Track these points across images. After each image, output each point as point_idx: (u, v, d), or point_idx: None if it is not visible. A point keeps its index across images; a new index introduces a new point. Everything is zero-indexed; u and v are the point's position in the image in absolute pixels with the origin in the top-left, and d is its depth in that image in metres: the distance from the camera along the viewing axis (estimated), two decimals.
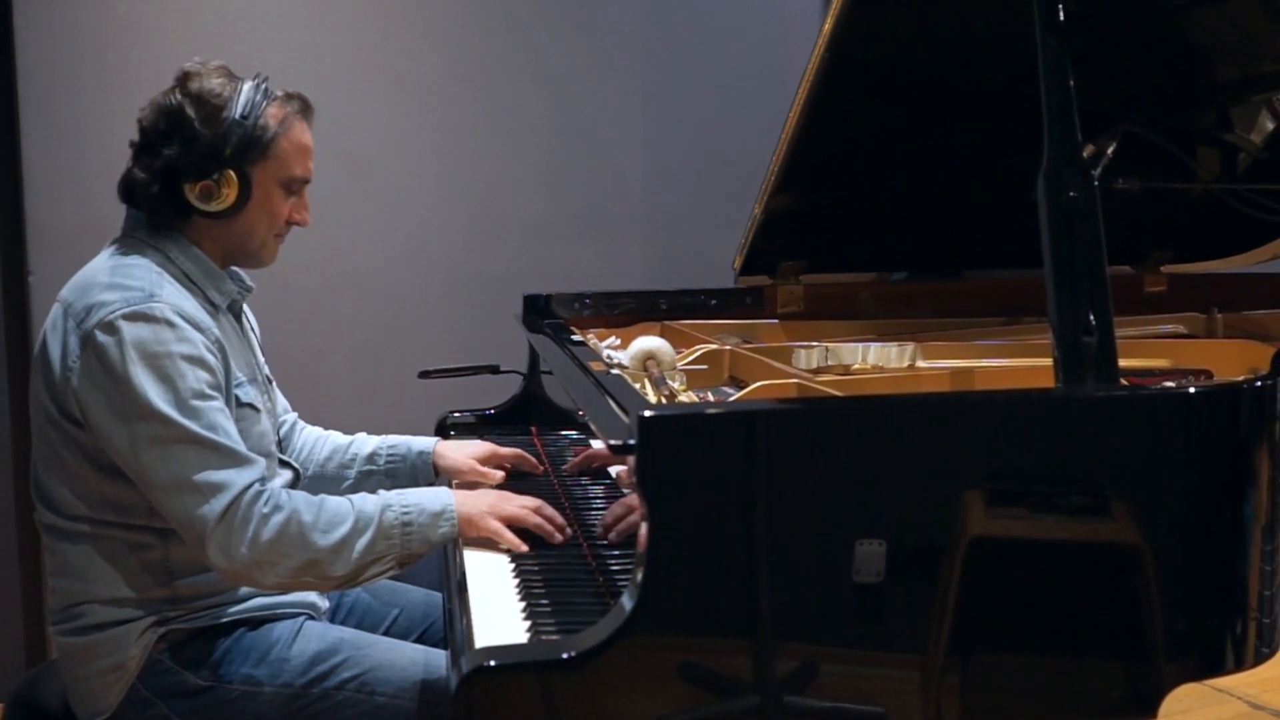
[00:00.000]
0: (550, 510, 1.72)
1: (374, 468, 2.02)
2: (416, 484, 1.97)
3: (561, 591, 1.54)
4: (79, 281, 1.63)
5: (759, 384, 1.79)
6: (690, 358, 2.04)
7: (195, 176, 1.62)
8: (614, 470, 1.97)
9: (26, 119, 2.67)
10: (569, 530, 1.71)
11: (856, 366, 2.12)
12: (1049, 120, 1.47)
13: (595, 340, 2.19)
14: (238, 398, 1.65)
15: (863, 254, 2.47)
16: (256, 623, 1.68)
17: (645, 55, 3.29)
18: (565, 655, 1.25)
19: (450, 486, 1.91)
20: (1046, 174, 1.46)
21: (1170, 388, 1.78)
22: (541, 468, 2.05)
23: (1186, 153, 2.35)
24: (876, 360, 2.12)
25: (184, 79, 1.65)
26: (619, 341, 2.19)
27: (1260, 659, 1.43)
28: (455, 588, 1.60)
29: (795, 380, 1.79)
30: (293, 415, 2.05)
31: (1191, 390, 1.47)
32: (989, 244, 2.41)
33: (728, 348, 2.10)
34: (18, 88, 2.66)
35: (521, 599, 1.52)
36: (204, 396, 1.55)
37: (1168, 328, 2.43)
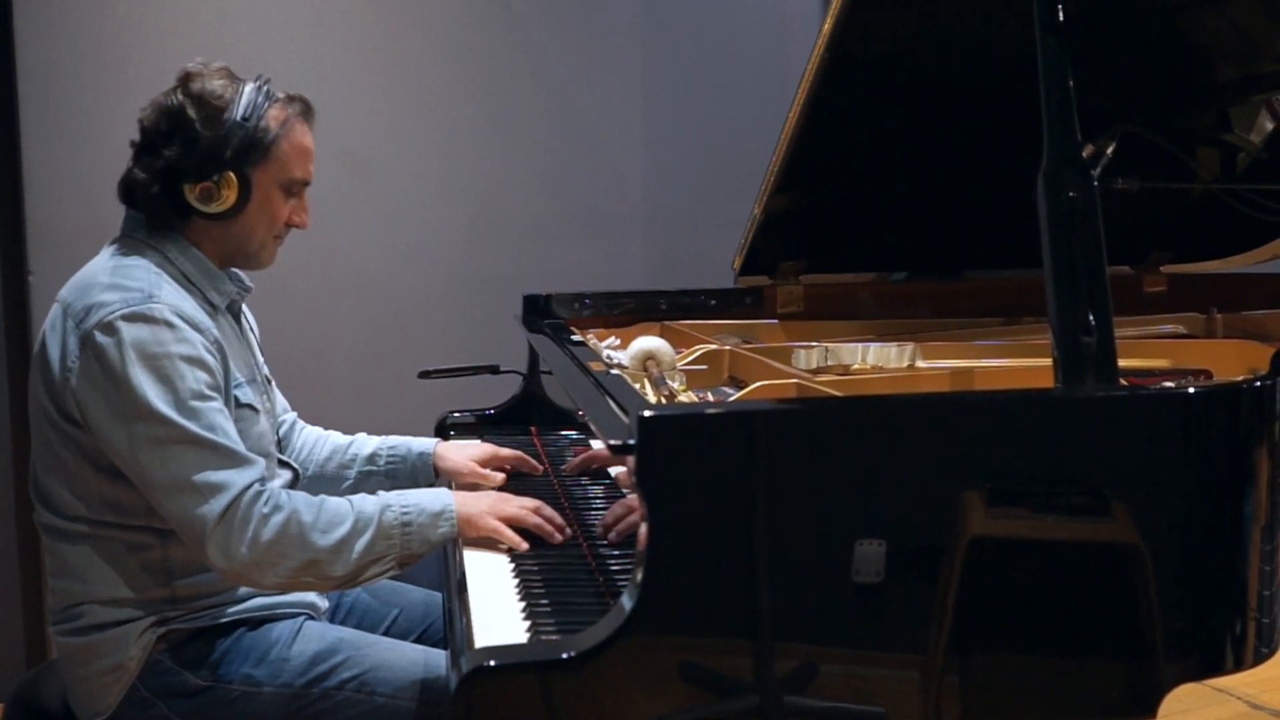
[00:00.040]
0: (550, 510, 1.72)
1: (374, 468, 2.02)
2: (416, 485, 1.97)
3: (561, 591, 1.54)
4: (78, 282, 1.63)
5: (759, 384, 1.79)
6: (690, 358, 2.04)
7: (195, 177, 1.62)
8: (614, 471, 1.97)
9: (26, 119, 2.67)
10: (568, 530, 1.71)
11: (856, 367, 2.12)
12: (1048, 120, 1.47)
13: (595, 340, 2.19)
14: (237, 398, 1.65)
15: (862, 254, 2.47)
16: (256, 623, 1.68)
17: (645, 55, 3.29)
18: (565, 655, 1.25)
19: (450, 488, 1.91)
20: (1046, 174, 1.46)
21: (1170, 388, 1.78)
22: (541, 468, 2.05)
23: (1186, 153, 2.35)
24: (876, 360, 2.12)
25: (186, 79, 1.65)
26: (619, 342, 2.19)
27: (1260, 659, 1.43)
28: (455, 588, 1.60)
29: (795, 380, 1.79)
30: (292, 415, 2.05)
31: (1191, 390, 1.47)
32: (989, 244, 2.41)
33: (727, 348, 2.10)
34: (18, 88, 2.66)
35: (521, 599, 1.52)
36: (203, 397, 1.55)
37: (1167, 328, 2.43)
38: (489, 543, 1.69)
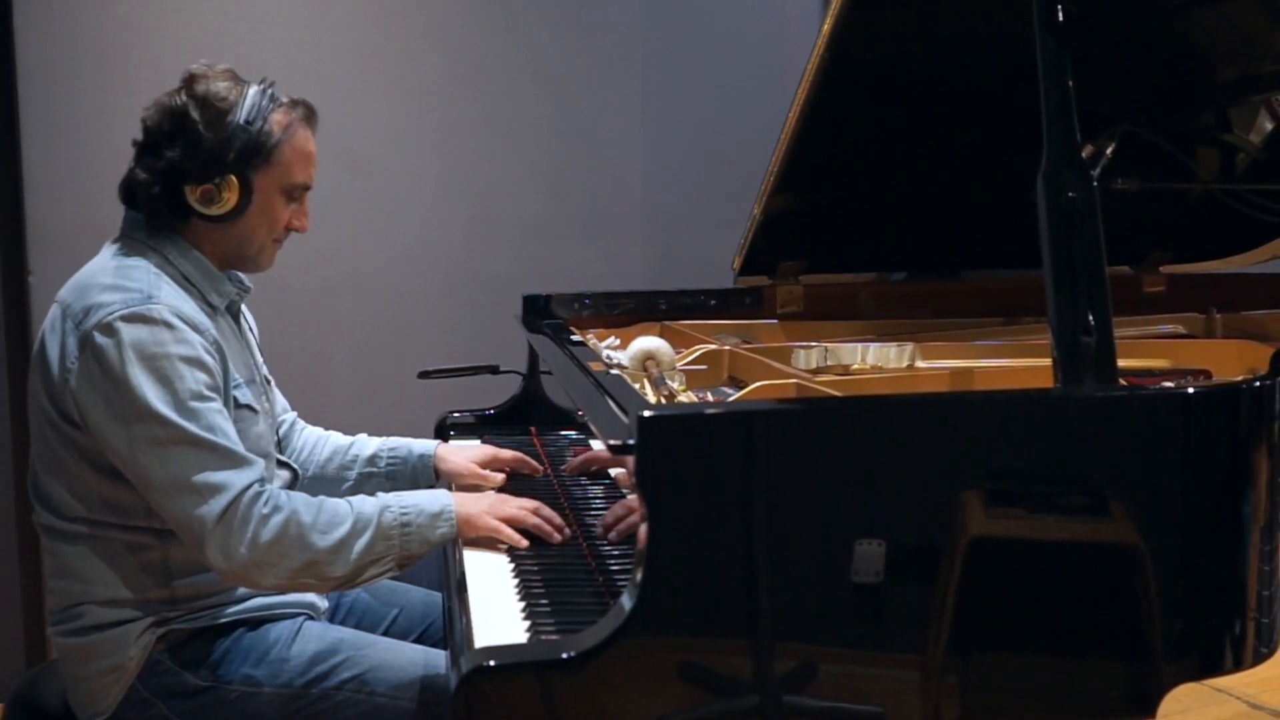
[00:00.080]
0: (549, 510, 1.72)
1: (374, 470, 2.02)
2: (416, 487, 1.97)
3: (561, 591, 1.54)
4: (77, 282, 1.63)
5: (758, 384, 1.79)
6: (690, 358, 2.04)
7: (197, 180, 1.62)
8: (614, 472, 1.97)
9: (26, 119, 2.67)
10: (567, 530, 1.71)
11: (856, 367, 2.12)
12: (1048, 120, 1.47)
13: (595, 340, 2.20)
14: (236, 399, 1.65)
15: (862, 254, 2.47)
16: (256, 623, 1.68)
17: (645, 55, 3.29)
18: (565, 655, 1.25)
19: (450, 489, 1.91)
20: (1045, 174, 1.46)
21: (1169, 388, 1.78)
22: (541, 469, 2.05)
23: (1185, 153, 2.35)
24: (876, 360, 2.12)
25: (190, 81, 1.65)
26: (618, 342, 2.19)
27: (1259, 659, 1.43)
28: (455, 588, 1.60)
29: (794, 380, 1.79)
30: (292, 415, 2.05)
31: (1190, 390, 1.47)
32: (988, 244, 2.41)
33: (727, 348, 2.10)
34: (18, 88, 2.66)
35: (521, 599, 1.52)
36: (202, 398, 1.55)
37: (1167, 328, 2.43)
38: (489, 543, 1.69)
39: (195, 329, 1.58)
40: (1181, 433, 1.39)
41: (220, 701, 1.61)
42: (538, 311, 2.38)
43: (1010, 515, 1.35)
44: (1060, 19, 1.49)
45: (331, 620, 1.85)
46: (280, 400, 2.01)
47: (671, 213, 3.34)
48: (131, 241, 1.67)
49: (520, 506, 1.71)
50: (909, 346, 2.13)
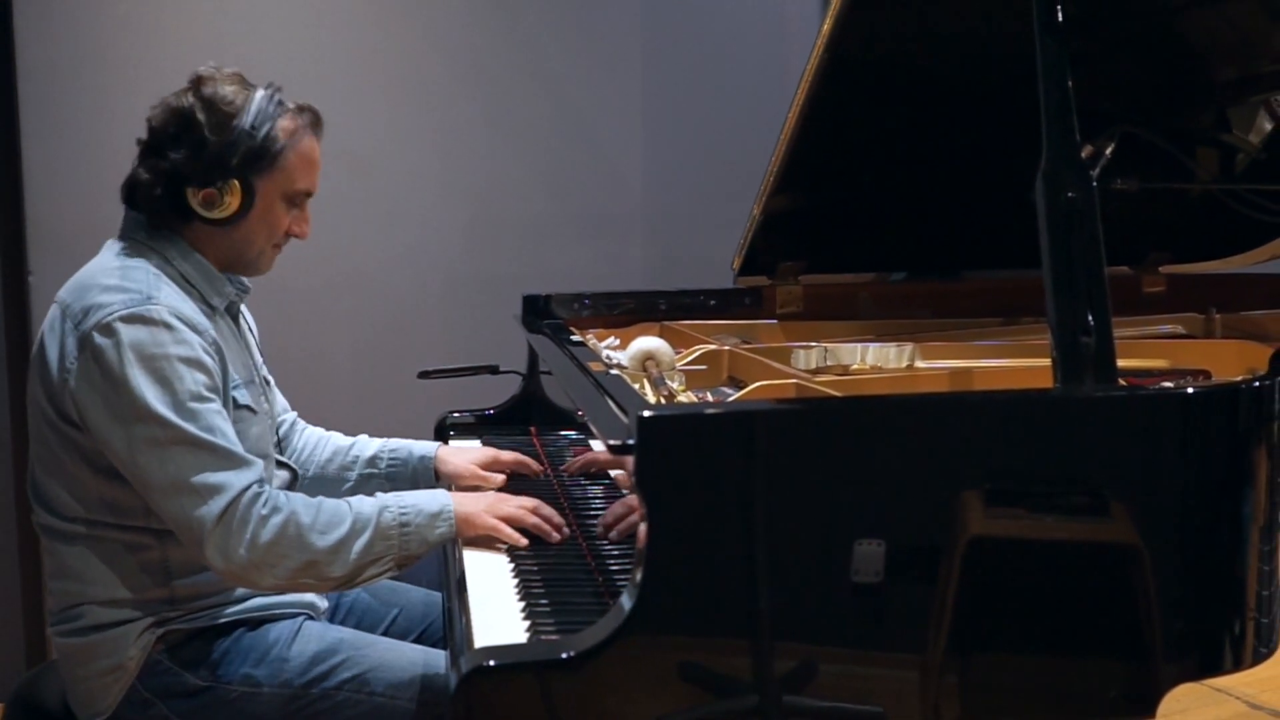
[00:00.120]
0: (548, 509, 1.73)
1: (375, 471, 2.02)
2: (416, 488, 1.97)
3: (561, 591, 1.55)
4: (77, 283, 1.63)
5: (758, 384, 1.79)
6: (689, 358, 2.04)
7: (199, 183, 1.62)
8: (613, 473, 1.97)
9: (26, 119, 2.67)
10: (566, 530, 1.71)
11: (855, 367, 2.12)
12: (1047, 121, 1.47)
13: (594, 341, 2.20)
14: (235, 400, 1.65)
15: (861, 254, 2.47)
16: (255, 623, 1.68)
17: (645, 55, 3.29)
18: (564, 655, 1.25)
19: (450, 490, 1.91)
20: (1045, 174, 1.46)
21: (1168, 388, 1.78)
22: (541, 469, 2.05)
23: (1185, 153, 2.35)
24: (875, 360, 2.12)
25: (198, 83, 1.64)
26: (618, 342, 2.19)
27: (1258, 659, 1.43)
28: (454, 587, 1.60)
29: (794, 380, 1.79)
30: (292, 415, 2.06)
31: (1190, 390, 1.47)
32: (987, 244, 2.41)
33: (727, 348, 2.10)
34: (18, 88, 2.66)
35: (521, 599, 1.52)
36: (201, 399, 1.55)
37: (1166, 328, 2.43)
38: (488, 542, 1.69)
39: (194, 330, 1.58)
40: (1181, 433, 1.39)
41: (220, 701, 1.61)
42: (537, 311, 2.38)
43: (1010, 515, 1.35)
44: (1060, 19, 1.49)
45: (331, 620, 1.85)
46: (280, 400, 2.01)
47: (671, 213, 3.34)
48: (131, 242, 1.67)
49: (519, 505, 1.71)
50: (908, 347, 2.13)
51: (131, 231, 1.68)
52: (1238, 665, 1.42)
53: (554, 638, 1.39)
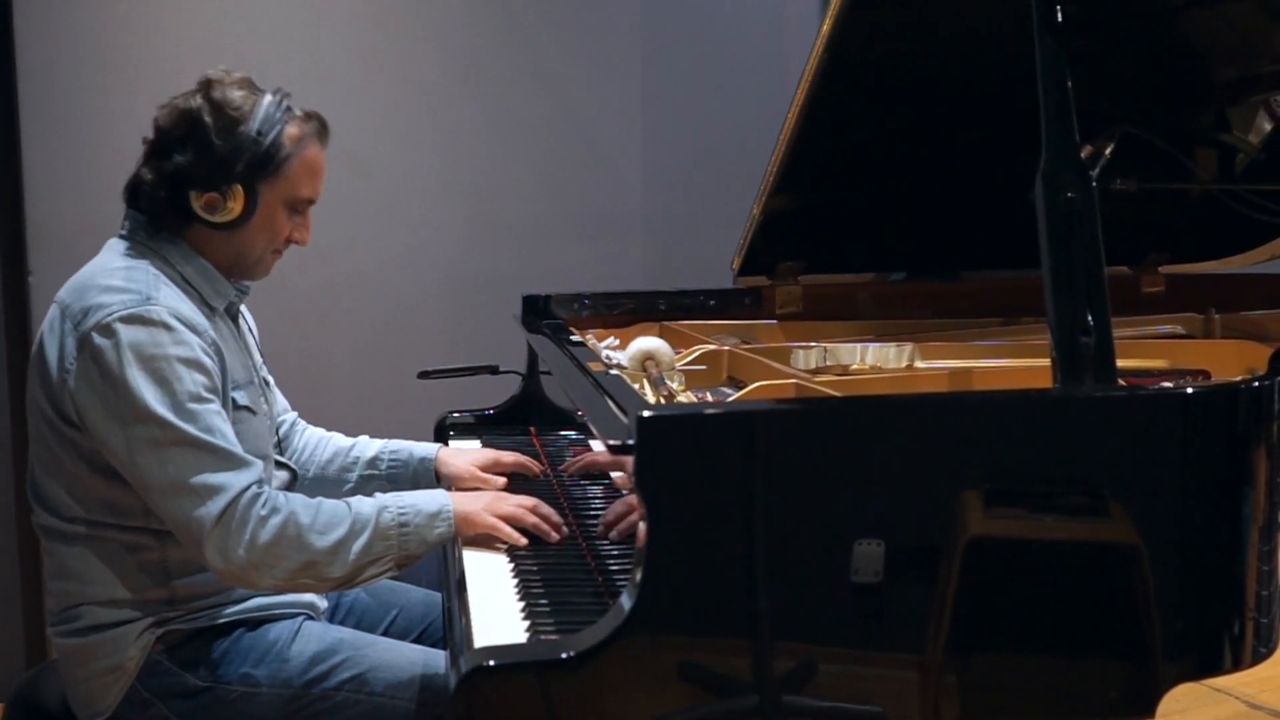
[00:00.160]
0: (547, 509, 1.73)
1: (375, 472, 2.02)
2: (417, 490, 1.97)
3: (560, 591, 1.55)
4: (76, 283, 1.63)
5: (757, 384, 1.79)
6: (689, 358, 2.04)
7: (203, 187, 1.62)
8: (613, 475, 1.97)
9: (26, 119, 2.68)
10: (565, 529, 1.71)
11: (855, 367, 2.12)
12: (1047, 121, 1.47)
13: (594, 341, 2.20)
14: (234, 400, 1.65)
15: (861, 254, 2.47)
16: (255, 623, 1.68)
17: (645, 55, 3.30)
18: (564, 655, 1.25)
19: (449, 490, 1.91)
20: (1044, 174, 1.46)
21: (1168, 388, 1.78)
22: (542, 469, 2.05)
23: (1184, 153, 2.35)
24: (875, 361, 2.12)
25: (207, 86, 1.64)
26: (618, 342, 2.19)
27: (1258, 658, 1.43)
28: (454, 587, 1.60)
29: (793, 380, 1.79)
30: (293, 415, 2.06)
31: (1189, 391, 1.47)
32: (987, 244, 2.41)
33: (726, 348, 2.10)
34: (18, 88, 2.66)
35: (521, 599, 1.52)
36: (200, 399, 1.55)
37: (1165, 328, 2.43)
38: (488, 542, 1.69)
39: (194, 330, 1.58)
40: (1180, 433, 1.39)
41: (220, 701, 1.61)
42: (537, 312, 2.38)
43: (1009, 515, 1.35)
44: (1059, 19, 1.49)
45: (331, 620, 1.85)
46: (280, 400, 2.01)
47: (671, 213, 3.34)
48: (131, 242, 1.67)
49: (519, 505, 1.71)
50: (908, 347, 2.13)
51: (132, 232, 1.68)
52: (1237, 665, 1.42)
53: (554, 638, 1.39)
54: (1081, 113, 1.47)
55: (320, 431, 2.07)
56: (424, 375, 2.36)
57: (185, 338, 1.56)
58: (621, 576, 1.54)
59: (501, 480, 1.96)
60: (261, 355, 1.89)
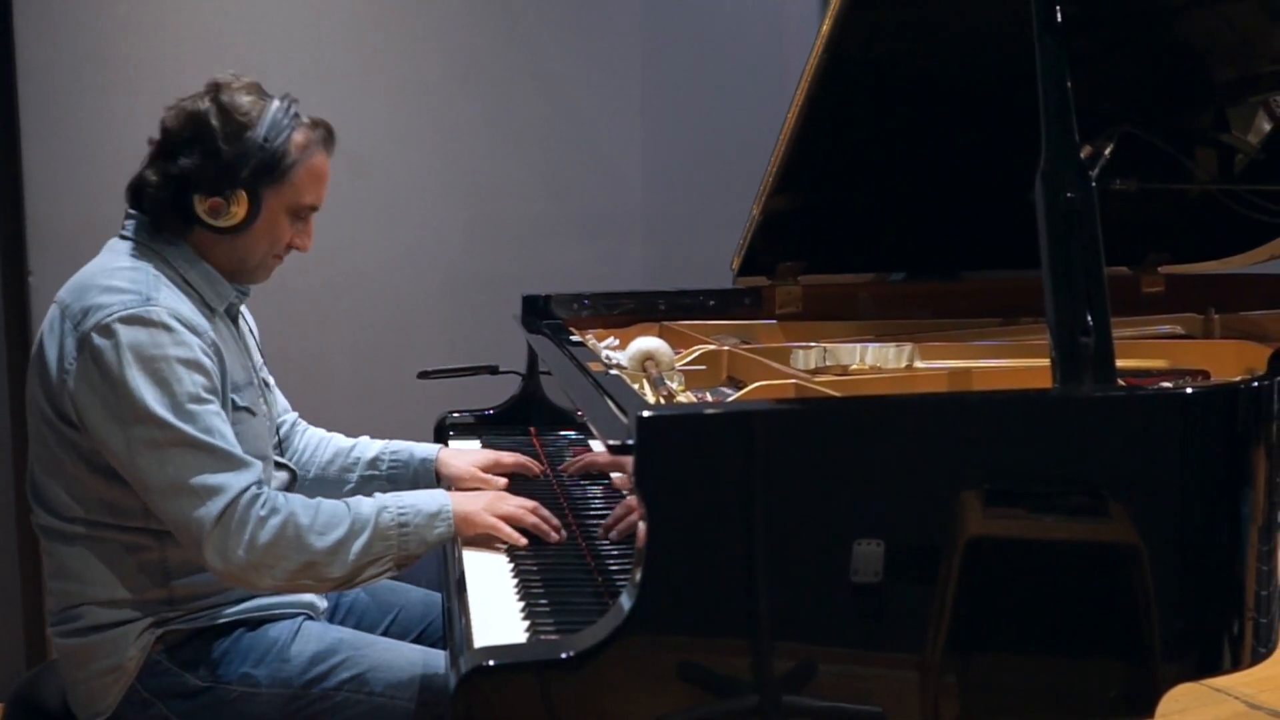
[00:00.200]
0: (546, 511, 1.73)
1: (376, 473, 2.02)
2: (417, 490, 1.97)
3: (560, 591, 1.55)
4: (76, 283, 1.63)
5: (757, 384, 1.79)
6: (689, 358, 2.04)
7: (207, 190, 1.62)
8: (613, 475, 1.97)
9: (26, 119, 2.68)
10: (563, 531, 1.71)
11: (855, 367, 2.12)
12: (1047, 121, 1.47)
13: (594, 341, 2.20)
14: (234, 401, 1.65)
15: (861, 254, 2.47)
16: (255, 623, 1.68)
17: (645, 55, 3.30)
18: (564, 655, 1.25)
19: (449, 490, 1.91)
20: (1044, 175, 1.46)
21: (1167, 388, 1.78)
22: (542, 469, 2.05)
23: (1184, 154, 2.35)
24: (874, 361, 2.12)
25: (215, 89, 1.64)
26: (617, 342, 2.19)
27: (1257, 658, 1.43)
28: (454, 587, 1.60)
29: (793, 381, 1.79)
30: (293, 415, 2.06)
31: (1189, 391, 1.47)
32: (987, 245, 2.42)
33: (726, 348, 2.10)
34: (18, 88, 2.66)
35: (520, 599, 1.52)
36: (200, 400, 1.55)
37: (1165, 328, 2.43)
38: (488, 542, 1.69)
39: (193, 331, 1.58)
40: (1180, 433, 1.39)
41: (219, 702, 1.62)
42: (537, 312, 2.38)
43: (1009, 515, 1.35)
44: (1059, 19, 1.49)
45: (331, 620, 1.85)
46: (281, 401, 2.01)
47: (671, 213, 3.34)
48: (132, 243, 1.66)
49: (518, 505, 1.72)
50: (908, 347, 2.13)
51: (133, 232, 1.68)
52: (1236, 665, 1.42)
53: (554, 638, 1.39)
54: (1081, 113, 1.47)
55: (321, 432, 2.07)
56: (424, 375, 2.36)
57: (185, 338, 1.56)
58: (621, 576, 1.54)
59: (502, 480, 1.96)
60: (262, 356, 1.89)
